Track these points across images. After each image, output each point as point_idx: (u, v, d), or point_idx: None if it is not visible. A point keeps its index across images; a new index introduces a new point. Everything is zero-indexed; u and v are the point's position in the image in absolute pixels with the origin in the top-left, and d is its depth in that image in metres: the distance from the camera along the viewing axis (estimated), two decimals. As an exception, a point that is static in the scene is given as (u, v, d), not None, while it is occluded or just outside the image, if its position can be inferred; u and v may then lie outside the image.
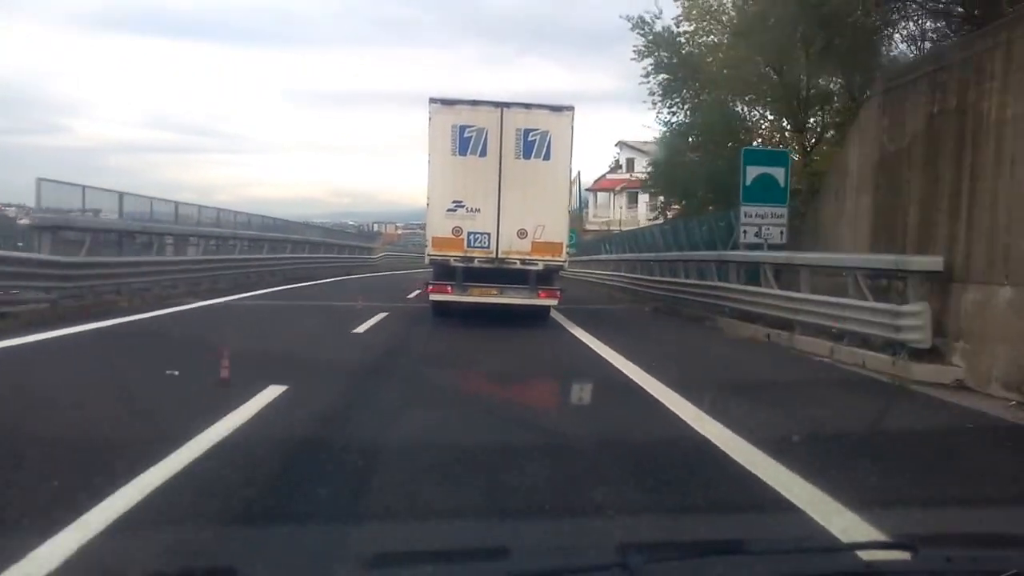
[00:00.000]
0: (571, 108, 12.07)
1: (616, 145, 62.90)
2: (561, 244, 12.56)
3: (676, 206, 25.11)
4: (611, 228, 47.49)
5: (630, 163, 60.65)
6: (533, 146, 11.70)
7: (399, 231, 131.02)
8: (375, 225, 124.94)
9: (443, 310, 12.80)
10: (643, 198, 53.57)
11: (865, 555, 1.90)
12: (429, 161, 12.02)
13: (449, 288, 12.22)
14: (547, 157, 12.10)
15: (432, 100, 11.64)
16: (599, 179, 60.32)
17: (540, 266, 12.51)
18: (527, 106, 12.22)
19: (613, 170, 62.41)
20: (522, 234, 12.27)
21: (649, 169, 24.23)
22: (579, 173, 42.60)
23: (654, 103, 22.45)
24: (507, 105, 12.40)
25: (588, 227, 47.64)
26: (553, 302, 12.60)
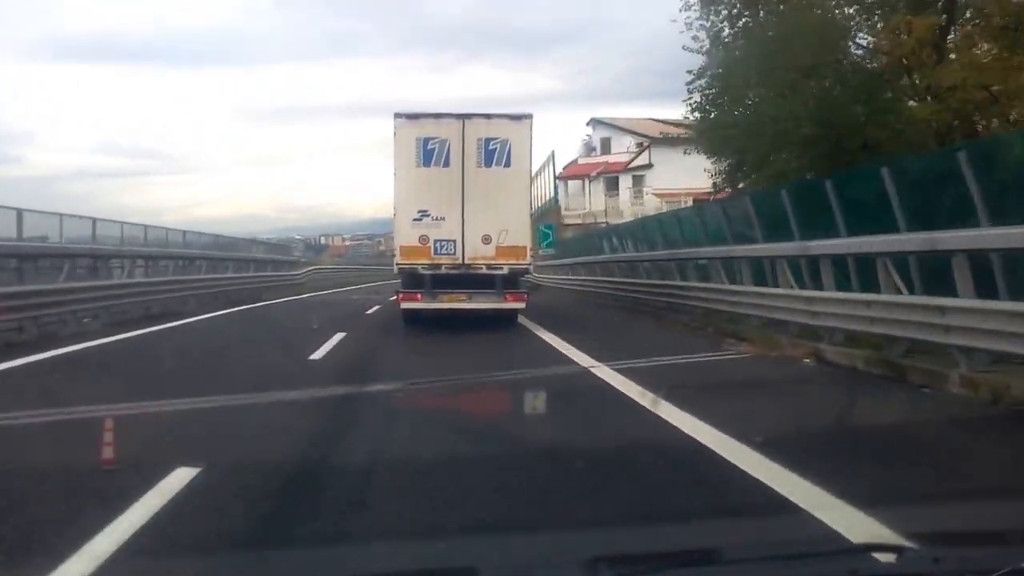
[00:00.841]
0: (529, 116, 13.64)
1: (588, 124, 56.93)
2: (525, 248, 13.62)
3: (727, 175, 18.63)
4: (596, 220, 42.99)
5: (605, 144, 54.66)
6: (494, 154, 12.48)
7: (346, 242, 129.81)
8: (322, 238, 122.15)
9: (413, 318, 13.82)
10: (624, 183, 49.51)
11: (849, 559, 1.89)
12: (395, 173, 13.20)
13: (419, 296, 13.47)
14: (508, 164, 13.41)
15: (397, 115, 12.49)
16: (568, 165, 55.01)
17: (505, 270, 13.57)
18: (487, 116, 13.57)
19: (586, 153, 55.47)
20: (486, 240, 13.43)
21: (693, 114, 17.71)
22: (552, 155, 39.73)
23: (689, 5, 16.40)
24: (468, 116, 13.59)
25: (567, 221, 43.80)
26: (520, 305, 13.79)
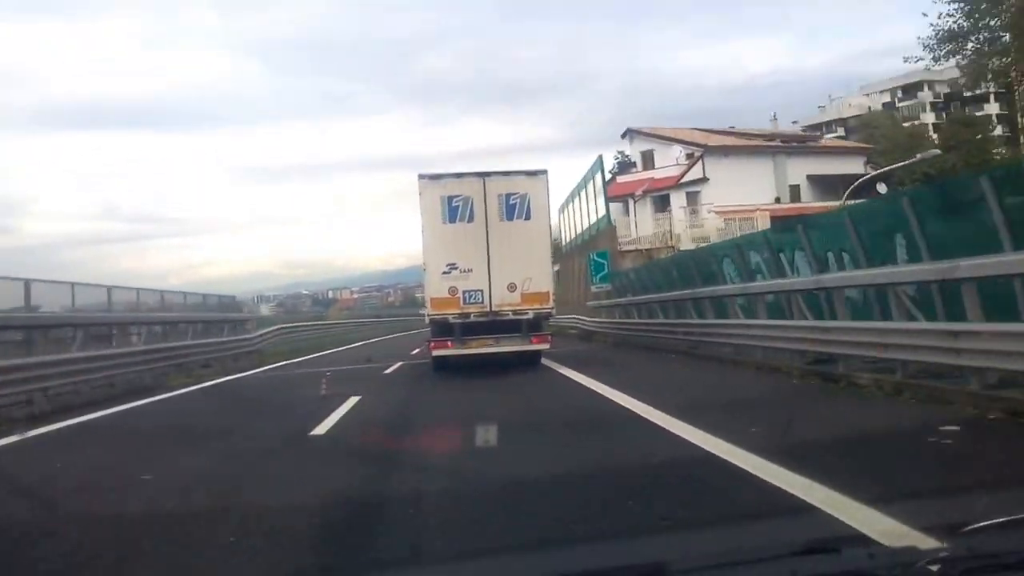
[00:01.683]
0: (545, 171, 15.66)
1: (624, 136, 50.31)
2: (548, 293, 15.34)
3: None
4: (657, 246, 37.37)
5: (647, 159, 48.08)
6: (515, 208, 13.69)
7: (354, 295, 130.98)
8: (329, 292, 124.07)
9: (443, 364, 15.30)
10: (677, 201, 42.91)
11: (789, 563, 1.96)
12: (422, 231, 15.40)
13: (449, 343, 15.34)
14: (527, 217, 13.82)
15: (421, 176, 13.85)
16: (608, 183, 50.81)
17: (530, 315, 15.25)
18: (506, 173, 15.66)
19: (623, 169, 48.47)
20: (512, 288, 15.21)
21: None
22: (599, 162, 34.98)
23: None
24: (488, 174, 15.46)
25: (624, 248, 37.58)
26: (545, 346, 15.58)
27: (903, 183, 37.07)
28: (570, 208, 41.62)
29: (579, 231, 39.21)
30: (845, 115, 69.86)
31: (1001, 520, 2.21)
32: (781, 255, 13.33)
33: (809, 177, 44.58)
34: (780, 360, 12.35)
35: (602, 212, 34.18)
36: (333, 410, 10.22)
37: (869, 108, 70.52)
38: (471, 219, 14.89)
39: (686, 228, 38.93)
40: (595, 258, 28.79)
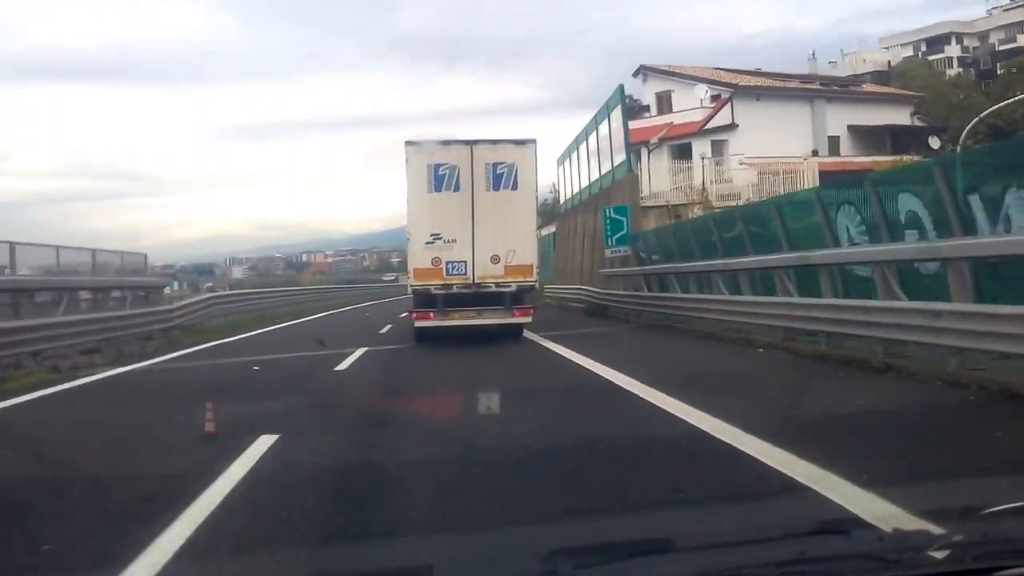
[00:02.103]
0: (533, 141, 14.66)
1: (636, 75, 43.65)
2: (531, 266, 15.38)
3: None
4: (690, 203, 29.39)
5: (663, 101, 41.37)
6: (501, 178, 13.45)
7: (329, 259, 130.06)
8: (303, 255, 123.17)
9: (425, 335, 15.35)
10: (699, 150, 35.00)
11: (798, 542, 1.98)
12: (408, 199, 14.04)
13: (431, 314, 13.74)
14: (514, 187, 13.56)
15: (408, 143, 13.53)
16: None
17: (513, 287, 15.36)
18: (494, 142, 13.97)
19: (634, 114, 39.56)
20: (495, 259, 13.67)
21: None
22: (620, 91, 26.93)
23: None
24: (475, 142, 15.54)
25: (647, 203, 29.73)
26: (527, 319, 15.65)
27: (956, 139, 32.40)
28: (573, 158, 36.13)
29: (585, 183, 33.08)
30: (860, 71, 61.37)
31: (1016, 505, 2.20)
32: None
33: (850, 128, 38.57)
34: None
35: (620, 158, 27.29)
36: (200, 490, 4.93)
37: (890, 63, 64.43)
38: (457, 188, 14.72)
39: (711, 183, 31.00)
40: (612, 215, 23.65)
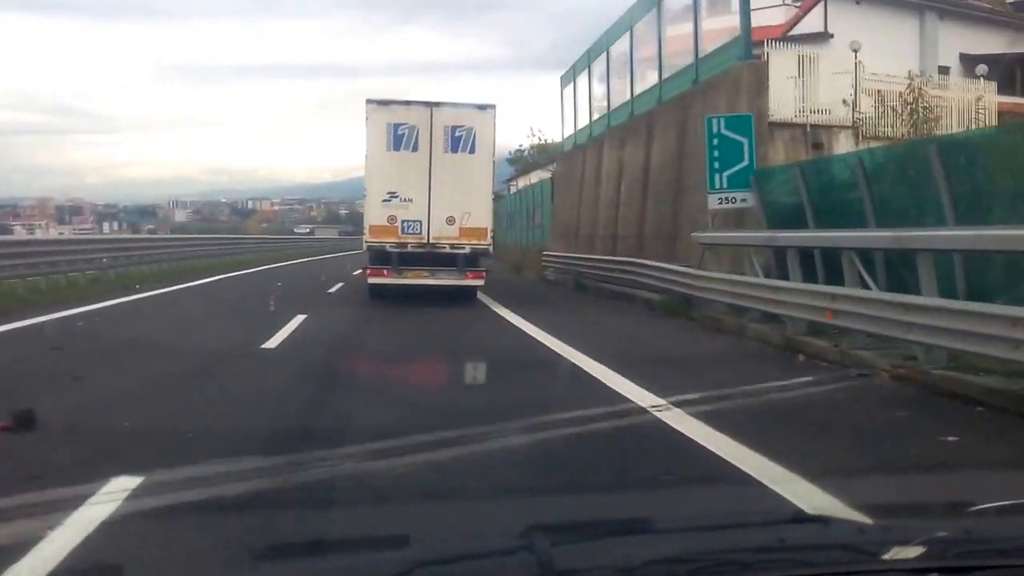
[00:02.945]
0: (493, 106, 16.07)
1: None
2: (486, 229, 15.51)
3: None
4: (837, 126, 16.41)
5: None
6: (460, 141, 13.74)
7: (275, 207, 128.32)
8: (250, 202, 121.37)
9: (379, 292, 15.63)
10: (783, 63, 17.62)
11: (777, 530, 2.00)
12: (366, 156, 14.32)
13: (385, 272, 13.90)
14: (472, 151, 13.88)
15: (369, 101, 13.75)
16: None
17: (467, 249, 15.63)
18: (455, 105, 14.80)
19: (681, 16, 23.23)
20: (450, 221, 13.89)
21: None
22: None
23: None
24: (436, 104, 15.67)
25: (776, 117, 15.75)
26: (480, 282, 15.93)
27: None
28: (594, 70, 26.60)
29: (622, 100, 23.49)
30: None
31: (1000, 504, 2.20)
32: None
33: (963, 57, 28.03)
34: None
35: (725, 38, 17.51)
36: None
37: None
38: (415, 148, 14.91)
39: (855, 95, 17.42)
40: (723, 131, 13.84)
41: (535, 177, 40.36)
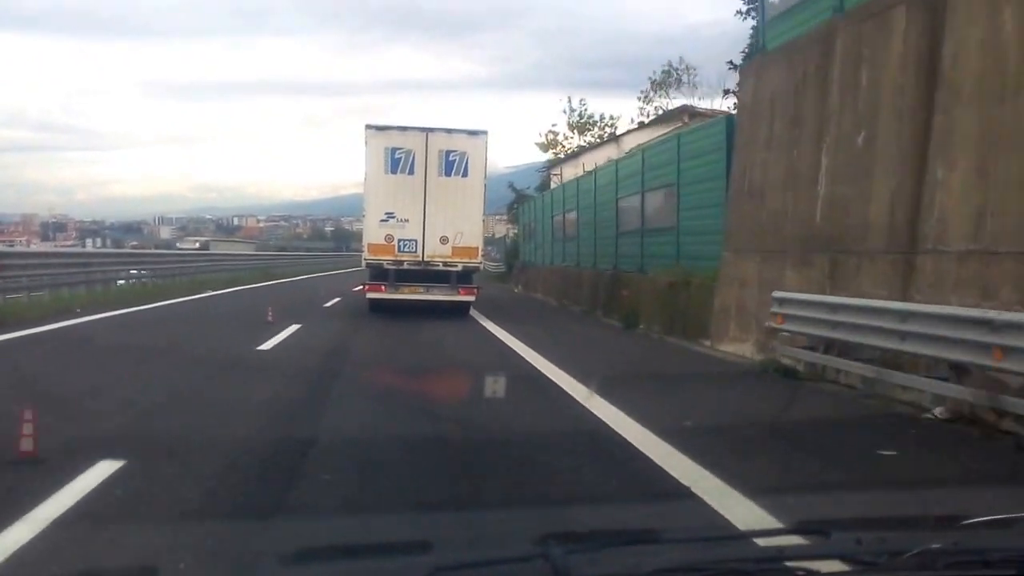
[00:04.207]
0: (485, 132, 17.12)
1: None
2: (477, 248, 16.48)
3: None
4: None
5: None
6: (453, 165, 14.82)
7: (261, 224, 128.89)
8: (235, 219, 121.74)
9: (378, 306, 16.53)
10: None
11: (778, 540, 2.04)
12: (365, 178, 16.64)
13: (383, 287, 15.02)
14: (465, 174, 15.03)
15: (368, 126, 14.98)
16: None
17: (459, 267, 16.55)
18: (448, 131, 16.90)
19: None
20: (444, 240, 15.02)
21: None
22: None
23: None
24: (431, 130, 16.63)
25: None
26: (471, 298, 16.84)
27: None
28: None
29: None
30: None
31: (993, 518, 2.25)
32: None
33: None
34: None
35: None
36: None
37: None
38: (411, 171, 15.93)
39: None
40: None
41: (587, 164, 28.43)
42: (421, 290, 16.22)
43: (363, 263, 16.69)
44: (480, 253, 16.68)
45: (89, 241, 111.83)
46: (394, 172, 15.99)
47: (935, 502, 4.34)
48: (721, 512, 4.32)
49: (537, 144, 41.62)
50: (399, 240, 16.05)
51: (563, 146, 39.59)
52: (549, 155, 40.28)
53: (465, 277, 16.56)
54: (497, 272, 45.04)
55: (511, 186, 45.22)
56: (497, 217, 51.00)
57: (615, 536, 2.13)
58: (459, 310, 16.68)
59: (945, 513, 2.53)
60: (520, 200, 41.68)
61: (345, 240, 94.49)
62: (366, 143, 16.15)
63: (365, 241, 16.57)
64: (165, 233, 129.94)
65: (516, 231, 44.27)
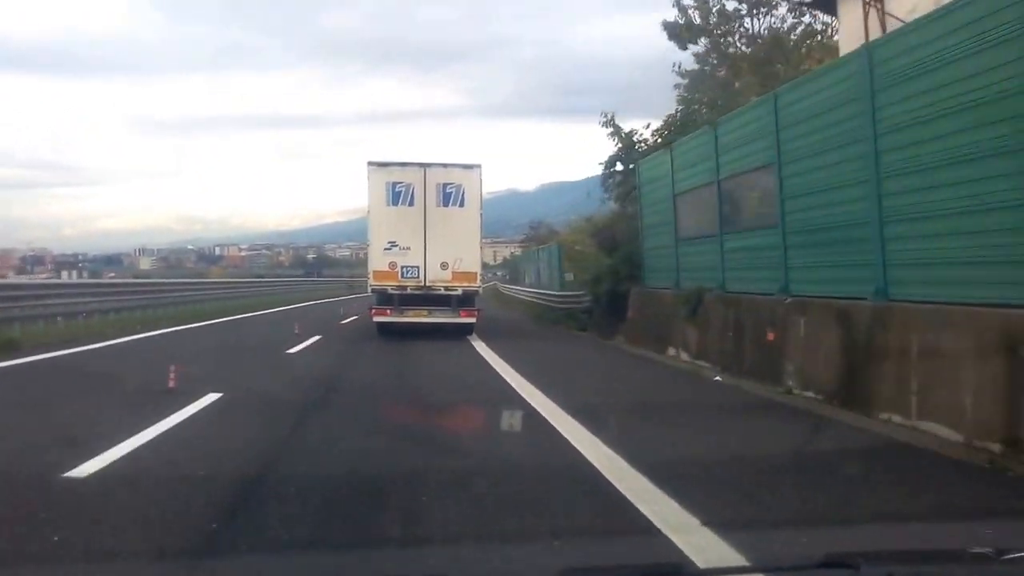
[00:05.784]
0: (479, 165, 17.59)
1: None
2: (475, 273, 17.75)
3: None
4: None
5: None
6: (450, 196, 16.03)
7: (243, 252, 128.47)
8: (217, 249, 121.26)
9: (384, 329, 17.73)
10: None
11: (808, 574, 2.00)
12: (369, 210, 17.84)
13: (388, 311, 16.28)
14: (461, 205, 16.29)
15: (370, 163, 16.67)
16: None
17: (459, 291, 17.94)
18: (445, 165, 18.14)
19: None
20: (444, 266, 16.29)
21: None
22: None
23: None
24: (429, 165, 18.03)
25: None
26: (472, 320, 18.10)
27: None
28: None
29: None
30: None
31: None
32: None
33: None
34: None
35: None
36: None
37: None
38: (412, 203, 17.20)
39: None
40: None
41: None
42: (424, 313, 17.43)
43: (369, 289, 18.12)
44: (479, 277, 17.80)
45: (64, 273, 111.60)
46: (395, 204, 17.31)
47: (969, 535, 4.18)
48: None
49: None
50: (402, 267, 17.32)
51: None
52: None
53: (465, 300, 17.72)
54: (565, 308, 24.19)
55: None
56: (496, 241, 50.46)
57: (634, 570, 2.13)
58: (462, 331, 17.52)
59: (982, 549, 2.42)
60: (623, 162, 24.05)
61: (317, 267, 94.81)
62: (368, 177, 17.45)
63: (370, 268, 17.75)
64: (145, 264, 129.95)
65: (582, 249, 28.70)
